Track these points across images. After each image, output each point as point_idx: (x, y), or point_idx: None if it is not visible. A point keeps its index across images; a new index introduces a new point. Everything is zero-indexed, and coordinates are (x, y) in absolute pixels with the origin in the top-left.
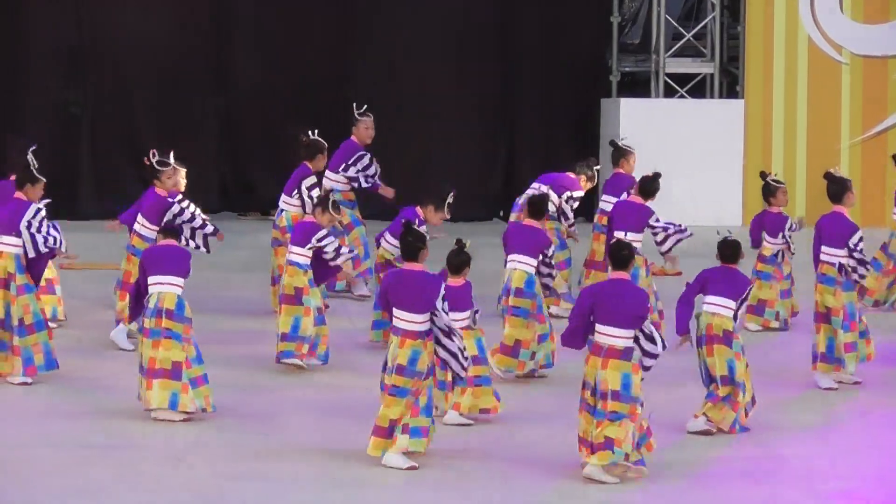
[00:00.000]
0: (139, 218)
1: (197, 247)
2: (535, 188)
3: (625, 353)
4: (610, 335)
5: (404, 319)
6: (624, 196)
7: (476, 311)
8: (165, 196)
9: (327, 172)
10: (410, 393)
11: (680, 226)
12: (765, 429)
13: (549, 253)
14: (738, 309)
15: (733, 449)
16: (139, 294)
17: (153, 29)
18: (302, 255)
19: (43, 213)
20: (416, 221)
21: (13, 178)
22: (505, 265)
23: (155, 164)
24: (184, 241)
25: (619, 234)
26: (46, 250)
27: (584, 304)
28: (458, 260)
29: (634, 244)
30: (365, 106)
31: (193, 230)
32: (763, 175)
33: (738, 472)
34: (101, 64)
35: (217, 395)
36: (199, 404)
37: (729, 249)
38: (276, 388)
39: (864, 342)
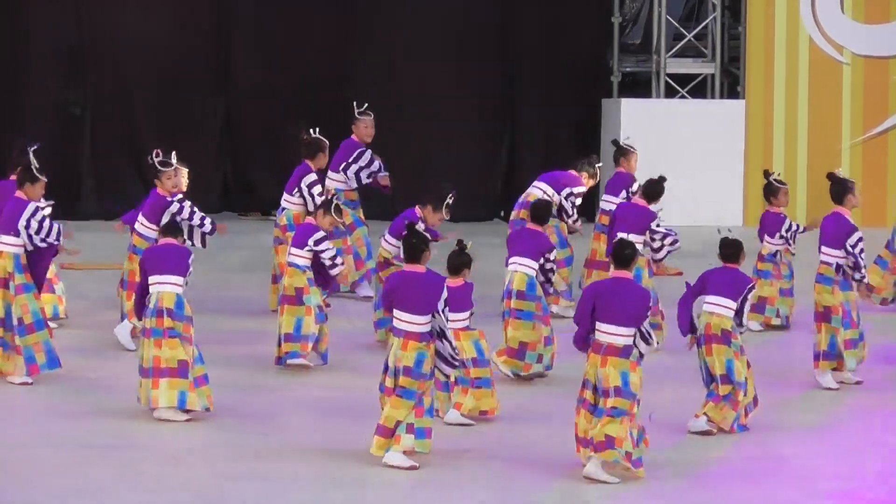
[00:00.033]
0: (140, 217)
1: (193, 244)
2: (536, 187)
3: (624, 351)
4: (609, 333)
5: (406, 321)
6: (623, 194)
7: (471, 313)
8: (165, 195)
9: (329, 172)
10: (417, 394)
11: (676, 235)
12: (765, 429)
13: (551, 257)
14: (742, 307)
15: (733, 449)
16: (142, 294)
17: (153, 29)
18: (301, 256)
19: (43, 211)
20: (417, 222)
21: (13, 177)
22: (507, 265)
23: (157, 164)
24: (182, 239)
25: (621, 236)
26: (45, 245)
27: (586, 305)
28: (459, 261)
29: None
30: (366, 105)
31: (191, 228)
32: (766, 174)
33: (739, 472)
34: (102, 64)
35: (217, 396)
36: (202, 403)
37: (730, 249)
38: (276, 388)
39: (861, 344)
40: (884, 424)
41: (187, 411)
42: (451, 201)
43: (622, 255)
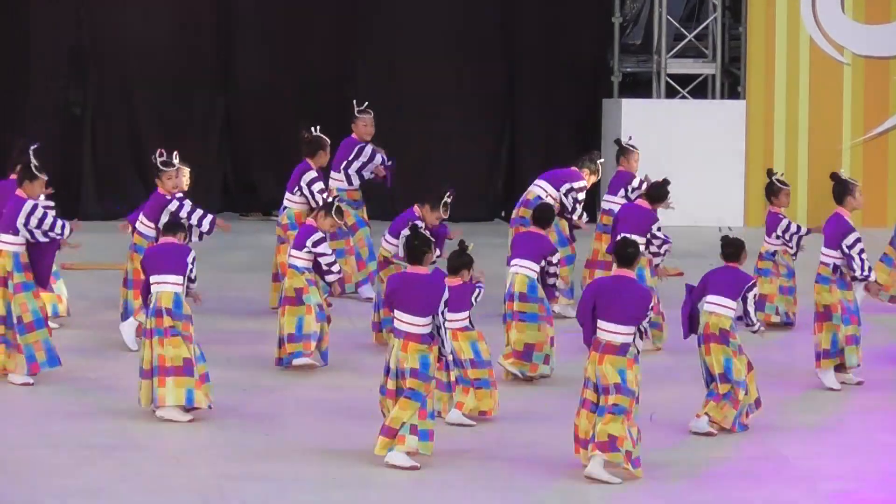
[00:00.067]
0: (140, 216)
1: (190, 240)
2: (537, 185)
3: (621, 349)
4: (608, 331)
5: (406, 322)
6: (621, 193)
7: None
8: (165, 195)
9: (332, 172)
10: (424, 396)
11: (671, 242)
12: (766, 429)
13: (554, 260)
14: (747, 307)
15: (734, 449)
16: (147, 294)
17: (154, 29)
18: (300, 258)
19: (41, 209)
20: (417, 221)
21: (14, 177)
22: (508, 265)
23: (159, 163)
24: (183, 236)
25: (623, 235)
26: (47, 239)
27: (587, 304)
28: (459, 262)
29: None
30: (366, 103)
31: (190, 227)
32: (769, 173)
33: (739, 472)
34: (102, 64)
35: (218, 396)
36: (206, 401)
37: (731, 248)
38: (276, 389)
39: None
40: (884, 424)
41: (193, 409)
42: (449, 200)
43: (625, 253)
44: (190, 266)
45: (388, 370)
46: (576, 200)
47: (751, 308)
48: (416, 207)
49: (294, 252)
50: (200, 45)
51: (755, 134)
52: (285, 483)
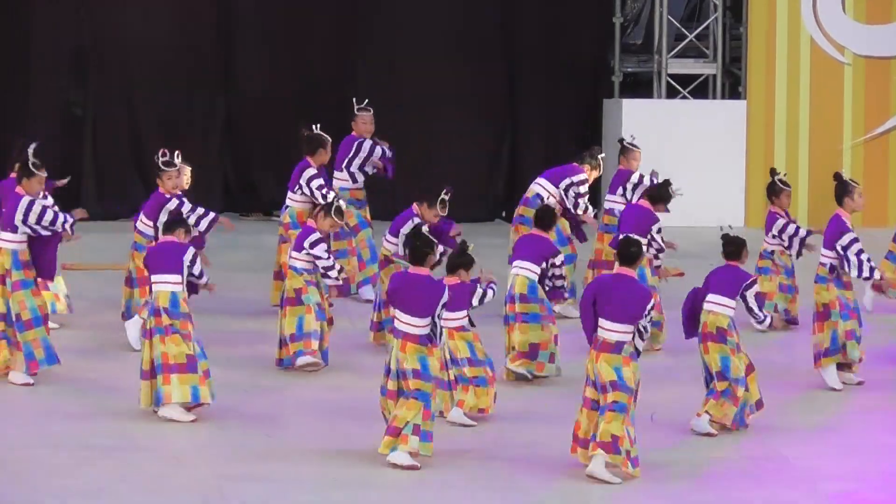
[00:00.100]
0: (140, 215)
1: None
2: (538, 183)
3: (615, 347)
4: (605, 329)
5: (405, 322)
6: (620, 191)
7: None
8: (164, 193)
9: (335, 172)
10: (429, 396)
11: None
12: (766, 429)
13: (557, 261)
14: (747, 303)
15: (734, 449)
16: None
17: (154, 29)
18: (299, 259)
19: (38, 204)
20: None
21: (14, 175)
22: (510, 263)
23: (160, 164)
24: (183, 233)
25: (625, 235)
26: (49, 233)
27: (587, 302)
28: (458, 261)
29: None
30: (366, 100)
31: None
32: (773, 172)
33: (739, 472)
34: (103, 64)
35: (218, 396)
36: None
37: (731, 246)
38: (277, 389)
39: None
40: (885, 425)
41: (197, 406)
42: (447, 197)
43: (627, 252)
44: (188, 264)
45: (388, 370)
46: (577, 194)
47: (753, 305)
48: (414, 206)
49: (293, 253)
50: (200, 45)
51: (756, 134)
52: (285, 483)
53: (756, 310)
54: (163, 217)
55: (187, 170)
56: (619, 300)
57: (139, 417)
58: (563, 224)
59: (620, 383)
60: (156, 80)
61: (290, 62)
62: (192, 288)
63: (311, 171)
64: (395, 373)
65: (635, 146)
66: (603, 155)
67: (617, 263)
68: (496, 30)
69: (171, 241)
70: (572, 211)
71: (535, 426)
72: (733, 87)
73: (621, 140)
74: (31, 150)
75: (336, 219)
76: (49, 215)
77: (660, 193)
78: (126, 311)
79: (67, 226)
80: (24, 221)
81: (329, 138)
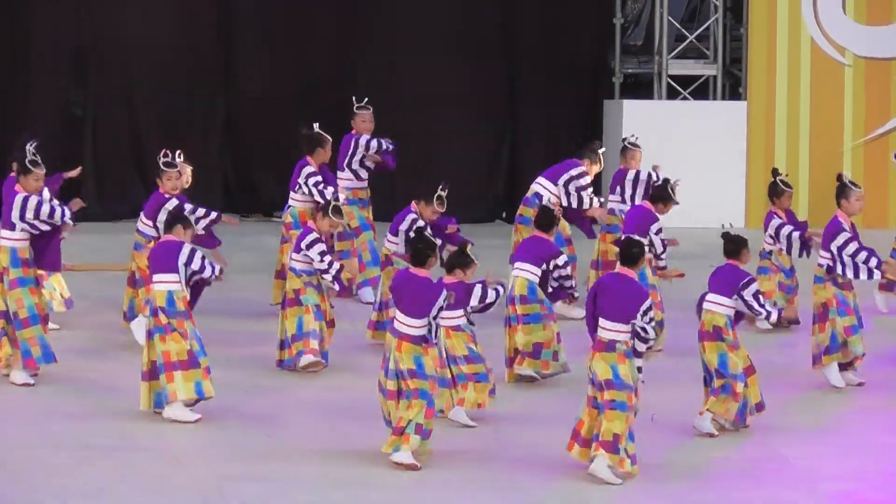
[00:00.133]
0: (141, 215)
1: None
2: (538, 183)
3: (608, 346)
4: (602, 327)
5: (402, 322)
6: (618, 190)
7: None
8: (164, 193)
9: (338, 172)
10: (431, 394)
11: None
12: (767, 429)
13: (560, 262)
14: (746, 302)
15: (734, 449)
16: None
17: (154, 29)
18: (298, 260)
19: (34, 199)
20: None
21: (13, 175)
22: (511, 263)
23: (161, 164)
24: (184, 229)
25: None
26: (49, 227)
27: (590, 302)
28: (457, 261)
29: None
30: (366, 99)
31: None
32: (775, 172)
33: (739, 472)
34: (103, 64)
35: (218, 396)
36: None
37: (731, 244)
38: (277, 389)
39: (860, 330)
40: (885, 425)
41: (201, 400)
42: (443, 193)
43: (629, 253)
44: (184, 262)
45: (387, 371)
46: (578, 188)
47: (752, 303)
48: (412, 204)
49: (293, 254)
50: (200, 45)
51: (756, 135)
52: (285, 483)
53: (756, 306)
54: (162, 217)
55: (188, 169)
56: (615, 299)
57: (139, 417)
58: (563, 225)
59: (617, 381)
60: (156, 80)
61: (290, 62)
62: (202, 285)
63: (311, 169)
64: (395, 373)
65: (636, 146)
66: (603, 149)
67: (618, 263)
68: (496, 30)
69: (170, 241)
70: (574, 206)
71: (535, 426)
72: (734, 88)
73: (624, 139)
74: (29, 148)
75: (334, 218)
76: (46, 209)
77: (660, 194)
78: (128, 312)
79: (66, 218)
80: (22, 218)
81: (329, 137)
